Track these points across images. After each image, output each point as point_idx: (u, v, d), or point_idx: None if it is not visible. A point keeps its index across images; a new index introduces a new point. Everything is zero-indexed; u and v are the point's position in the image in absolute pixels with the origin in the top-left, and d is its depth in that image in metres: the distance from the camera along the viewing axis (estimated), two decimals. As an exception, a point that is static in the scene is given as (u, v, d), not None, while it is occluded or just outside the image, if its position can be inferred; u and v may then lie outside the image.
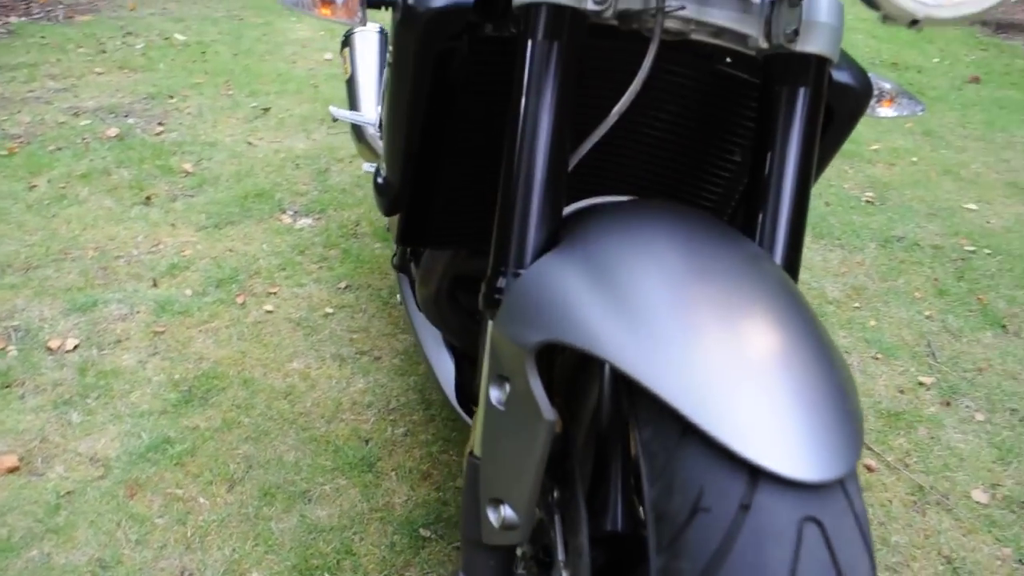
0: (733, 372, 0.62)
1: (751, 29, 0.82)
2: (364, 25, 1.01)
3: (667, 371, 0.62)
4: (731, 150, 1.07)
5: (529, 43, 0.80)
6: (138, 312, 2.06)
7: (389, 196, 1.09)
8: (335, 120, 2.11)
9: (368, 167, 1.92)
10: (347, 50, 2.18)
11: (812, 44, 0.81)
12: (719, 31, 0.84)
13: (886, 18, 0.73)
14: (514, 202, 0.80)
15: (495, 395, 0.80)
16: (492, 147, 1.07)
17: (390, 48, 0.99)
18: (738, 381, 0.61)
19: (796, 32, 0.80)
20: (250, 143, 3.05)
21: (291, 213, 2.59)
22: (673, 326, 0.65)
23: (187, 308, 2.09)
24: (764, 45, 0.82)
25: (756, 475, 0.58)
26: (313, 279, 2.26)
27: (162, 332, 1.99)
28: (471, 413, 1.43)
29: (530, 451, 0.76)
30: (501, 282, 0.80)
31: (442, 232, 1.15)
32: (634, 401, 0.67)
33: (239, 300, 2.14)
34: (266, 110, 3.35)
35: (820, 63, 0.83)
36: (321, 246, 2.42)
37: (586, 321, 0.67)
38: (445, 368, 1.45)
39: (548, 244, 0.79)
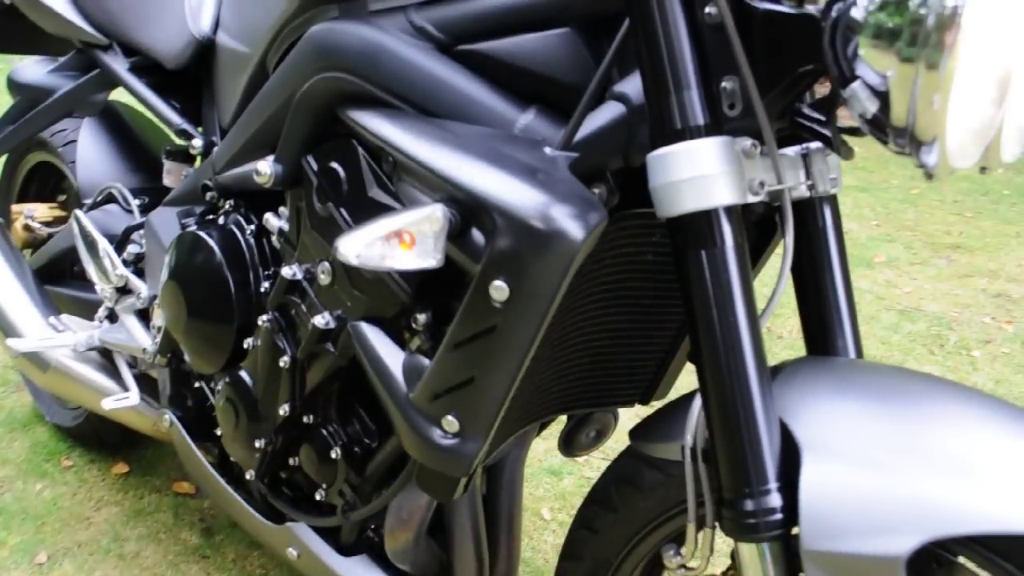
0: None
1: (795, 180, 0.86)
2: (441, 264, 0.76)
3: None
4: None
5: (703, 253, 0.75)
6: None
7: (470, 458, 0.84)
8: (17, 356, 1.46)
9: (111, 403, 1.34)
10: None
11: (838, 185, 0.90)
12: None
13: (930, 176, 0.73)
14: (736, 420, 0.76)
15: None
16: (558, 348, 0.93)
17: (497, 285, 0.76)
18: None
19: (836, 179, 0.89)
20: None
21: None
22: None
23: None
24: (808, 194, 0.88)
25: None
26: (-10, 571, 1.58)
27: None
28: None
29: None
30: (749, 505, 0.76)
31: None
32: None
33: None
34: None
35: (834, 198, 0.92)
36: (-44, 521, 1.70)
37: (973, 506, 0.67)
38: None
39: (783, 444, 0.77)
